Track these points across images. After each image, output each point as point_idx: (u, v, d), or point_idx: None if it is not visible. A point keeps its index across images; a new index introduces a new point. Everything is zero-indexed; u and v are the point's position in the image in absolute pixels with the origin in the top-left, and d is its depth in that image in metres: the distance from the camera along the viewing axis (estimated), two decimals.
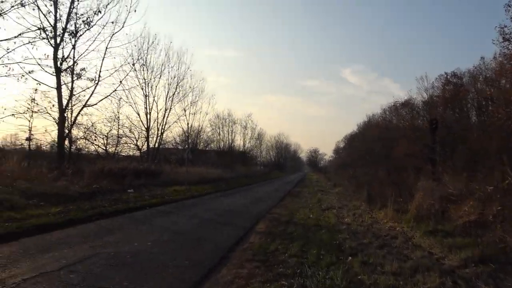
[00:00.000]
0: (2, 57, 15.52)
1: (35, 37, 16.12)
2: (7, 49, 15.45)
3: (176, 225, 9.31)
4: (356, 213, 13.40)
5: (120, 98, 27.51)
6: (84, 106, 19.30)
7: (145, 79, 29.81)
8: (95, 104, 19.38)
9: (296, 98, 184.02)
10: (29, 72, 16.39)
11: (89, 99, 19.12)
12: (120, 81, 19.41)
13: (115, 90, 19.59)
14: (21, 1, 15.12)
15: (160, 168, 26.43)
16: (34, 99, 17.53)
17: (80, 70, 18.52)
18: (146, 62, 29.26)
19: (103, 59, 18.89)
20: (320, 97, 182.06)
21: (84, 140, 23.47)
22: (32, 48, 16.28)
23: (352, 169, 38.48)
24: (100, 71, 18.92)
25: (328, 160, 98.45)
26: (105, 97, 19.42)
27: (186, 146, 35.73)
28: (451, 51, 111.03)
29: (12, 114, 16.82)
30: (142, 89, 29.62)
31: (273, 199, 17.91)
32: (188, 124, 37.25)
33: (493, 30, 19.91)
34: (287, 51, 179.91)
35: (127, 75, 19.59)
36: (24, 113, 17.27)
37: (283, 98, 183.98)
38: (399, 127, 37.04)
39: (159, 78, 30.37)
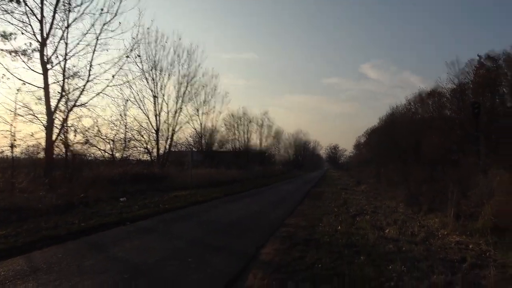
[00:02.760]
0: None
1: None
2: None
3: (139, 256, 6.08)
4: (397, 219, 9.97)
5: (127, 100, 25.03)
6: (74, 106, 16.48)
7: (153, 79, 27.29)
8: (86, 103, 16.50)
9: (315, 97, 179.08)
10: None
11: (78, 98, 16.26)
12: (113, 76, 16.52)
13: (108, 85, 16.68)
14: None
15: (165, 171, 23.59)
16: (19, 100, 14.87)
17: (73, 67, 15.74)
18: (155, 62, 26.78)
19: (93, 52, 16.04)
20: (340, 94, 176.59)
21: (82, 145, 20.67)
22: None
23: (376, 165, 34.71)
24: (90, 66, 16.07)
25: (349, 156, 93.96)
26: (97, 95, 16.56)
27: (192, 148, 32.84)
28: (478, 36, 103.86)
29: None
30: (152, 90, 27.10)
31: (290, 203, 14.61)
32: (201, 124, 34.47)
33: None
34: (305, 50, 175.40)
35: (120, 68, 16.59)
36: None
37: (302, 98, 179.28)
38: (425, 119, 33.25)
39: (168, 77, 27.75)
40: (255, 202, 15.00)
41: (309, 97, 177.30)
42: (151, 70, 26.45)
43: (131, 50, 16.95)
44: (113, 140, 24.18)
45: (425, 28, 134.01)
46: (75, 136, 17.12)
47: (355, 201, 15.30)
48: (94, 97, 16.31)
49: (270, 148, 55.60)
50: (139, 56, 17.64)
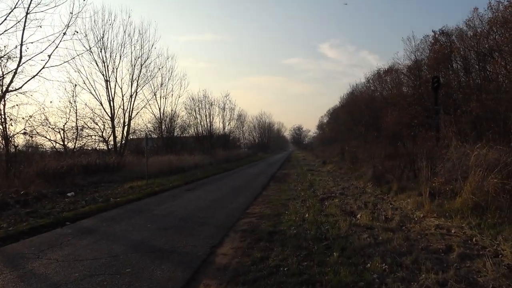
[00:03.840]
0: None
1: None
2: None
3: (63, 271, 4.78)
4: (367, 201, 9.18)
5: (75, 85, 22.76)
6: (7, 91, 14.36)
7: (104, 62, 25.02)
8: (20, 88, 14.39)
9: (277, 78, 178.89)
10: None
11: (11, 82, 14.15)
12: (49, 56, 14.41)
13: (44, 67, 14.56)
14: None
15: (122, 161, 21.83)
16: None
17: (4, 47, 13.54)
18: (103, 42, 24.48)
19: (23, 29, 13.84)
20: (301, 74, 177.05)
21: (25, 135, 18.45)
22: None
23: (339, 143, 34.45)
24: (21, 45, 13.91)
25: (313, 136, 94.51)
26: (31, 78, 14.42)
27: (151, 134, 30.99)
28: (432, 12, 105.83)
29: None
30: (102, 74, 24.87)
31: (254, 189, 13.58)
32: (159, 109, 32.49)
33: None
34: (265, 31, 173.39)
35: (56, 47, 14.47)
36: None
37: (265, 78, 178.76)
38: (384, 96, 33.25)
39: (120, 59, 25.55)
40: (217, 189, 13.83)
41: (271, 78, 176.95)
42: (100, 51, 24.22)
43: (68, 26, 14.80)
44: (63, 129, 22.13)
45: (380, 6, 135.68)
46: (10, 125, 15.01)
47: (321, 183, 14.51)
48: (29, 80, 14.23)
49: (234, 132, 54.22)
50: (77, 32, 15.49)
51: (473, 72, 24.35)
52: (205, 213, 8.76)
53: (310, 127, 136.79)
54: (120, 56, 25.55)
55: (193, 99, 40.45)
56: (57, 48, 14.58)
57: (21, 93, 14.74)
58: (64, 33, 14.76)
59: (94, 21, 23.74)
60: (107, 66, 24.95)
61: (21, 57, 14.05)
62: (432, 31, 26.76)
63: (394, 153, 14.97)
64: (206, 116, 41.63)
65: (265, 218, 7.81)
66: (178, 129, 37.15)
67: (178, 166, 23.85)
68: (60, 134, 22.01)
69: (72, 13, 14.88)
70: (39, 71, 14.32)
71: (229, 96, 48.57)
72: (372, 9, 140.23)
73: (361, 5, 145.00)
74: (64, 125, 21.88)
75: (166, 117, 34.07)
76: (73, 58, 17.36)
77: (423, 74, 26.36)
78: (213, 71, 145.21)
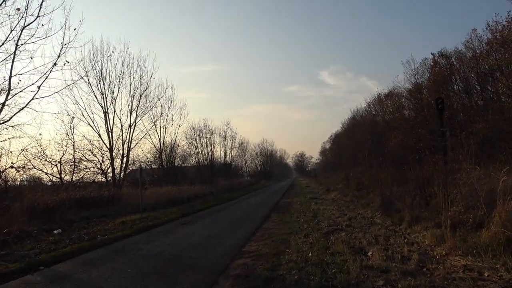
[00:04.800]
0: None
1: None
2: None
3: None
4: (377, 235, 8.12)
5: (73, 117, 22.20)
6: None
7: (102, 93, 24.57)
8: (8, 121, 13.65)
9: (278, 105, 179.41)
10: None
11: None
12: (38, 87, 13.75)
13: (33, 98, 13.86)
14: None
15: (119, 193, 20.84)
16: None
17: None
18: (101, 72, 24.14)
19: (13, 61, 13.28)
20: (302, 101, 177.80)
21: (17, 169, 17.62)
22: None
23: (343, 170, 33.42)
24: (10, 76, 13.28)
25: (316, 163, 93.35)
26: (19, 111, 13.65)
27: (151, 165, 30.19)
28: (429, 37, 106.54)
29: None
30: (101, 105, 24.38)
31: (254, 221, 12.53)
32: (159, 139, 31.75)
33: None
34: (264, 60, 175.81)
35: (46, 78, 13.80)
36: None
37: (265, 107, 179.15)
38: (386, 120, 32.57)
39: (118, 90, 25.09)
40: (214, 222, 12.77)
41: (272, 106, 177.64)
42: (99, 83, 23.78)
43: (58, 56, 14.22)
44: (59, 162, 21.38)
45: (379, 33, 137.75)
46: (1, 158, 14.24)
47: (326, 212, 13.44)
48: (17, 113, 13.51)
49: (236, 160, 53.24)
50: (68, 62, 14.84)
51: (474, 93, 23.75)
52: (197, 253, 7.72)
53: (313, 153, 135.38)
54: (119, 87, 25.12)
55: (193, 128, 39.84)
56: (47, 79, 13.92)
57: (11, 126, 14.04)
58: (55, 64, 14.16)
59: (93, 54, 23.44)
60: (106, 97, 24.48)
61: (9, 89, 13.42)
62: (431, 53, 26.43)
63: (402, 178, 13.96)
64: (207, 145, 40.87)
65: (262, 258, 6.77)
66: (178, 159, 36.29)
67: (177, 197, 22.82)
68: (57, 167, 21.32)
69: (63, 43, 14.33)
70: (28, 103, 13.62)
71: (230, 124, 47.60)
72: (369, 36, 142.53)
73: (358, 32, 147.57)
74: (61, 158, 21.18)
75: (166, 147, 33.28)
76: (64, 88, 16.51)
77: (424, 97, 25.76)
78: (214, 101, 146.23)
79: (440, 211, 8.80)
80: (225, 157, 45.54)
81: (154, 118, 30.00)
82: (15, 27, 12.73)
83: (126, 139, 25.78)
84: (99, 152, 24.46)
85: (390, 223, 9.50)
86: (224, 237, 9.57)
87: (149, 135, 29.69)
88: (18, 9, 12.56)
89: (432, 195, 11.04)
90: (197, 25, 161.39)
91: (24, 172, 17.67)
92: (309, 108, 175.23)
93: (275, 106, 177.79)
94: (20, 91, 13.63)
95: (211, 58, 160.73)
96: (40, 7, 12.85)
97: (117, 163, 25.63)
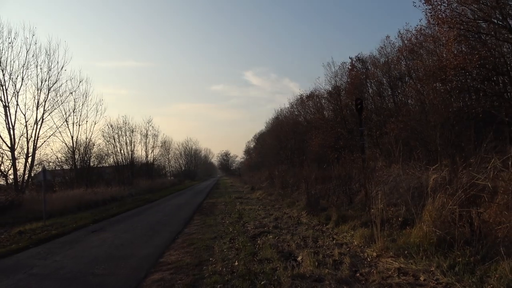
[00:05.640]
0: None
1: None
2: None
3: None
4: (305, 236, 7.70)
5: None
6: None
7: (2, 85, 21.10)
8: None
9: (203, 104, 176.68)
10: None
11: None
12: None
13: None
14: None
15: (18, 198, 18.00)
16: None
17: None
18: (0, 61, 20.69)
19: None
20: (227, 100, 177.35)
21: None
22: None
23: (267, 168, 33.53)
24: None
25: (240, 162, 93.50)
26: None
27: (62, 166, 27.11)
28: (347, 44, 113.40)
29: None
30: (0, 98, 20.99)
31: (175, 225, 11.45)
32: (72, 137, 28.52)
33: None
34: (190, 58, 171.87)
35: None
36: None
37: (190, 105, 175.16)
38: (307, 120, 33.61)
39: (22, 82, 21.78)
40: (130, 228, 11.39)
41: (197, 104, 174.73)
42: None
43: None
44: None
45: (301, 37, 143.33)
46: None
47: (252, 213, 12.87)
48: None
49: (158, 160, 50.65)
50: None
51: (385, 96, 25.47)
52: (104, 268, 6.49)
53: (238, 152, 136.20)
54: (23, 78, 21.88)
55: (111, 126, 36.80)
56: None
57: None
58: None
59: None
60: (6, 89, 21.18)
61: None
62: (349, 57, 27.84)
63: (324, 175, 14.00)
64: (126, 143, 38.10)
65: (182, 271, 5.86)
66: (94, 159, 33.09)
67: (91, 201, 20.57)
68: None
69: None
70: None
71: (152, 122, 45.19)
72: (291, 40, 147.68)
73: (279, 36, 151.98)
74: None
75: (80, 145, 30.12)
76: None
77: (343, 98, 26.96)
78: (136, 98, 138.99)
79: (364, 208, 8.74)
80: (147, 156, 43.07)
81: (66, 114, 26.98)
82: None
83: (31, 136, 22.74)
84: None
85: (316, 223, 9.20)
86: (139, 246, 8.39)
87: (60, 132, 26.62)
88: None
89: (354, 193, 11.12)
90: (118, 17, 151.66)
91: None
92: (234, 108, 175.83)
93: (200, 104, 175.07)
94: None
95: (133, 54, 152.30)
96: None
97: (20, 164, 22.43)
